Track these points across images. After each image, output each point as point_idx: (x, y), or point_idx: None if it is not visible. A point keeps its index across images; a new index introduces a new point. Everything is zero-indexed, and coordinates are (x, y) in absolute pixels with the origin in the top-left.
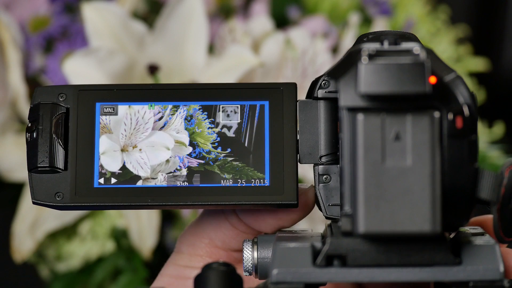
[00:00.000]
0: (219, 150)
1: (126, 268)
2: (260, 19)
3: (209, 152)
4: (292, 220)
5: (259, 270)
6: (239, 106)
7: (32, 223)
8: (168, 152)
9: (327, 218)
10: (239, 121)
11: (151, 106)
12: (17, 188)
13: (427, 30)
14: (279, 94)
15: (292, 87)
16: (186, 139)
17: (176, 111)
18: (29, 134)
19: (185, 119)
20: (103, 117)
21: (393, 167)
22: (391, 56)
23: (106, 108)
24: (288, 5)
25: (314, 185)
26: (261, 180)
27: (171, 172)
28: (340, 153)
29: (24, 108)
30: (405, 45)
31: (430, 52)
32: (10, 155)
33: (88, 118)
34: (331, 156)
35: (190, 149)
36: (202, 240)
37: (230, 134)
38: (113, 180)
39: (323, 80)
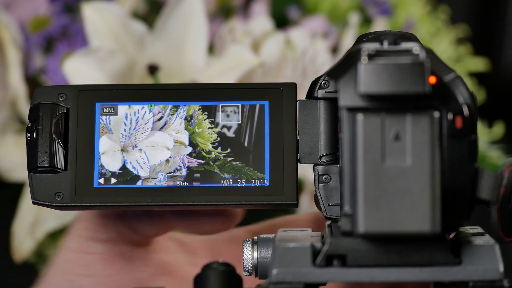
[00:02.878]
0: (219, 150)
1: None
2: (260, 19)
3: (209, 152)
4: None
5: (259, 270)
6: (239, 106)
7: (32, 223)
8: (168, 152)
9: (327, 218)
10: (239, 121)
11: (151, 106)
12: (17, 188)
13: (427, 30)
14: (279, 94)
15: (292, 87)
16: (186, 139)
17: (176, 111)
18: (29, 134)
19: (185, 119)
20: (103, 117)
21: (392, 167)
22: (391, 56)
23: (106, 108)
24: (288, 5)
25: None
26: (261, 180)
27: (171, 172)
28: (340, 153)
29: (24, 108)
30: (405, 45)
31: (430, 52)
32: (10, 155)
33: (88, 118)
34: (331, 156)
35: (190, 149)
36: (111, 215)
37: (230, 134)
38: (113, 180)
39: (323, 80)
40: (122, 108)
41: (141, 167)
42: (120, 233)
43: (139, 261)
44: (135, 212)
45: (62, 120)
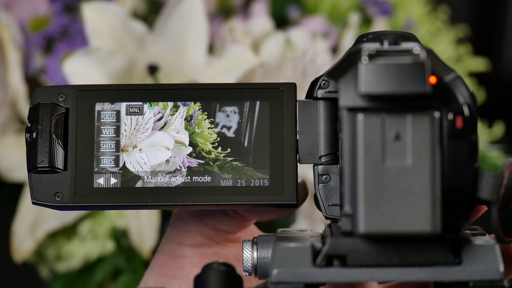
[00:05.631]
0: (219, 150)
1: (126, 268)
2: (260, 19)
3: (209, 152)
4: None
5: (259, 270)
6: (239, 106)
7: (32, 223)
8: (168, 152)
9: (327, 218)
10: (238, 121)
11: (150, 106)
12: (17, 188)
13: (427, 30)
14: (279, 94)
15: (292, 87)
16: (186, 139)
17: (176, 111)
18: (28, 134)
19: (185, 119)
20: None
21: (393, 167)
22: (391, 56)
23: (105, 107)
24: (288, 5)
25: (306, 182)
26: (261, 180)
27: (171, 172)
28: (340, 153)
29: (24, 108)
30: (405, 45)
31: (430, 52)
32: (10, 155)
33: (88, 118)
34: (330, 156)
35: (190, 149)
36: (193, 217)
37: (230, 134)
38: (113, 180)
39: (323, 80)
40: (123, 108)
41: (141, 167)
42: (205, 236)
43: (229, 261)
44: (213, 213)
45: (61, 120)
